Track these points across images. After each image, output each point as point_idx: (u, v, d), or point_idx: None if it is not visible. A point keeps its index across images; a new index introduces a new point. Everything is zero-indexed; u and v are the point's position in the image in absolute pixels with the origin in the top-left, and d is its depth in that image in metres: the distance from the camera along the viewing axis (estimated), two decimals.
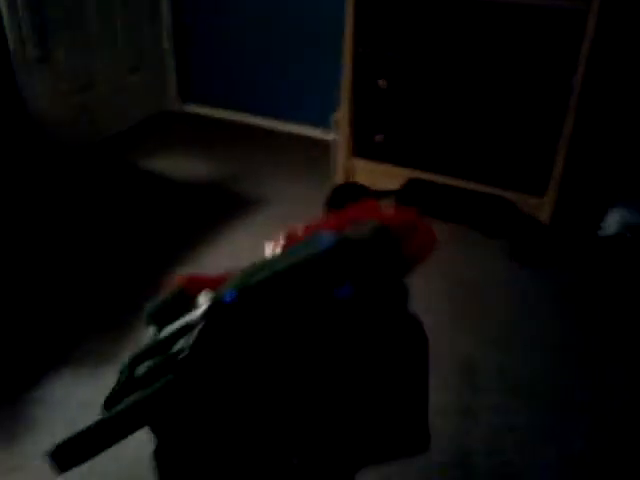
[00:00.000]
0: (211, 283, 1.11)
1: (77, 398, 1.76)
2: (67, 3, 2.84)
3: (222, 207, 2.73)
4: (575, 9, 2.12)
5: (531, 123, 2.34)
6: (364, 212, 1.36)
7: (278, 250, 1.25)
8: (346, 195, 2.66)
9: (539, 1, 2.15)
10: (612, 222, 2.51)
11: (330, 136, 2.74)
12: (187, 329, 1.00)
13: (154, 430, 1.01)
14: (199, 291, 1.09)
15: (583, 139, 2.44)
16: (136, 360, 1.03)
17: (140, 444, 1.02)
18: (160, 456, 1.03)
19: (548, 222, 2.43)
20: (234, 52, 3.33)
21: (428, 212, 2.53)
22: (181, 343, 0.99)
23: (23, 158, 2.70)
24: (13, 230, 2.41)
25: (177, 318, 1.04)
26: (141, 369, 1.02)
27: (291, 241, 1.29)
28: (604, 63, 2.44)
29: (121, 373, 1.03)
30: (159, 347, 1.02)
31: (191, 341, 0.97)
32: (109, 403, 1.00)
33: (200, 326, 0.97)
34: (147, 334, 1.08)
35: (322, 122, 2.96)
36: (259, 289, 1.01)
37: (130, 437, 0.97)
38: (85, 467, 0.95)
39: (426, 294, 2.20)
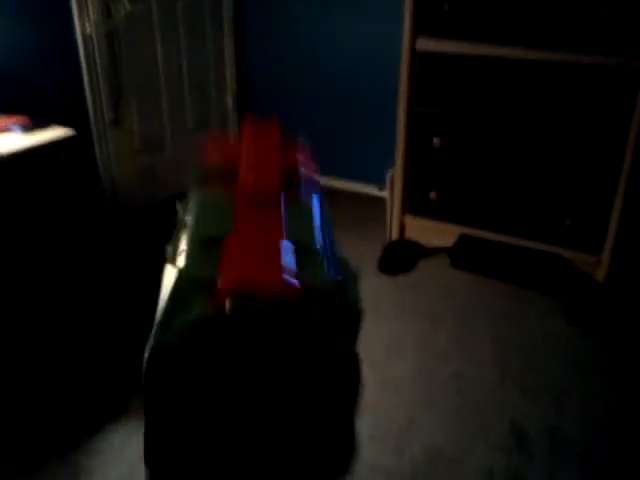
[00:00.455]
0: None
1: (133, 450, 1.79)
2: (140, 71, 3.04)
3: None
4: (628, 66, 2.16)
5: (586, 181, 2.35)
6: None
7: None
8: (399, 252, 2.70)
9: (592, 60, 2.20)
10: None
11: (385, 193, 2.80)
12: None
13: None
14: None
15: (638, 198, 2.42)
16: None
17: None
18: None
19: (604, 281, 2.40)
20: (293, 111, 3.46)
21: (481, 270, 2.60)
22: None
23: (93, 214, 2.83)
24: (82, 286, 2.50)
25: None
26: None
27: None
28: None
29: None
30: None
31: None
32: None
33: (144, 367, 1.15)
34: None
35: (377, 180, 3.04)
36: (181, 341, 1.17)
37: None
38: None
39: (476, 350, 2.22)
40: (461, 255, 2.61)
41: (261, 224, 1.35)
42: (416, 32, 2.41)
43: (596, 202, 2.35)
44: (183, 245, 1.36)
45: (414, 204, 2.67)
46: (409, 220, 2.70)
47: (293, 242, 1.27)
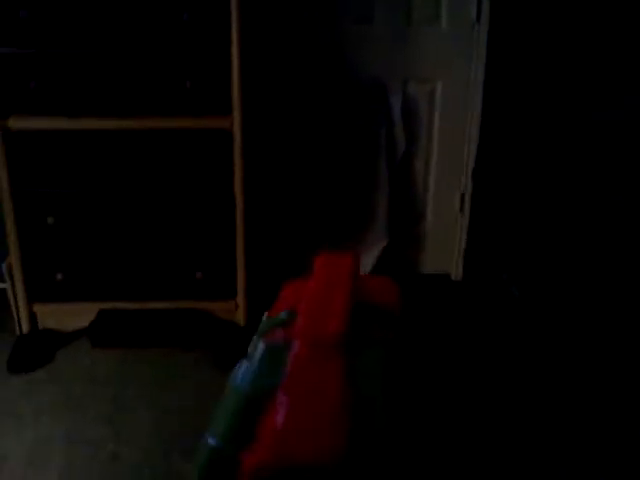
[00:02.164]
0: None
1: None
2: None
3: None
4: (219, 129, 2.33)
5: (206, 235, 2.45)
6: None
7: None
8: (33, 345, 2.48)
9: (184, 124, 2.32)
10: None
11: (5, 285, 2.55)
12: None
13: None
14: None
15: (258, 239, 2.63)
16: None
17: None
18: None
19: (244, 323, 2.53)
20: None
21: (124, 342, 2.54)
22: None
23: None
24: None
25: None
26: None
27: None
28: (261, 171, 2.71)
29: None
30: None
31: None
32: None
33: None
34: None
35: None
36: None
37: None
38: None
39: (132, 425, 2.14)
40: (101, 333, 2.51)
41: (315, 376, 1.11)
42: (7, 111, 2.26)
43: (220, 251, 2.48)
44: (223, 409, 1.19)
45: (41, 290, 2.48)
46: (40, 308, 2.50)
47: (354, 396, 1.05)
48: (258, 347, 1.38)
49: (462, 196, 2.96)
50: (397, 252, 3.00)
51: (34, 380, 2.36)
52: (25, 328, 2.50)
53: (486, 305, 2.89)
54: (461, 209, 2.98)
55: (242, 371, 1.32)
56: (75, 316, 2.51)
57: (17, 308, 2.49)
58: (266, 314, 1.60)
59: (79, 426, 2.13)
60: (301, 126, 2.82)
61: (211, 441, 1.10)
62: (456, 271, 3.08)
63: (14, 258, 2.42)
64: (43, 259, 2.45)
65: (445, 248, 3.06)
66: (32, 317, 2.50)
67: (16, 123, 2.28)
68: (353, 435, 0.99)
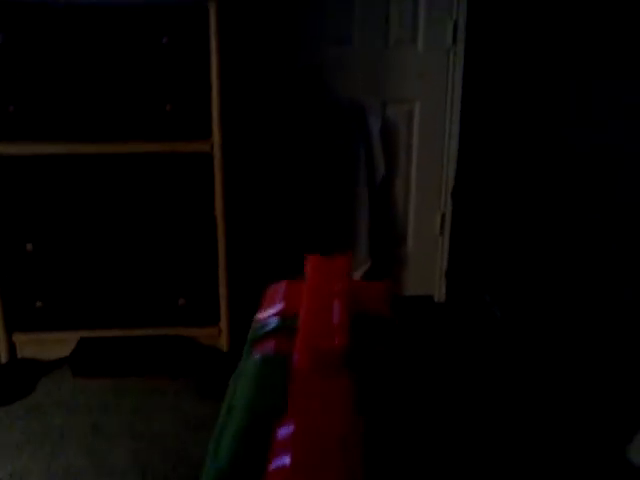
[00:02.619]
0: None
1: None
2: None
3: None
4: (201, 153, 2.32)
5: (188, 261, 2.43)
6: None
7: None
8: (12, 376, 2.42)
9: (163, 148, 2.31)
10: None
11: None
12: None
13: None
14: None
15: (240, 263, 2.61)
16: None
17: None
18: None
19: (227, 349, 2.50)
20: None
21: (106, 372, 2.48)
22: None
23: None
24: None
25: None
26: None
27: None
28: (242, 193, 2.71)
29: None
30: None
31: None
32: None
33: None
34: None
35: None
36: None
37: None
38: None
39: (113, 456, 2.08)
40: (82, 362, 2.45)
41: (321, 397, 1.03)
42: None
43: (202, 277, 2.45)
44: (226, 431, 1.05)
45: (20, 319, 2.42)
46: (19, 337, 2.44)
47: (365, 421, 0.97)
48: (252, 358, 1.30)
49: (442, 217, 2.98)
50: (379, 274, 3.00)
51: (13, 412, 2.29)
52: (4, 358, 2.44)
53: (469, 326, 2.88)
54: (441, 230, 3.00)
55: (239, 388, 1.22)
56: (55, 345, 2.46)
57: None
58: (255, 318, 1.52)
59: (59, 458, 2.06)
60: (281, 147, 2.83)
61: (217, 465, 1.01)
62: (439, 293, 3.08)
63: None
64: (22, 287, 2.41)
65: (427, 269, 3.06)
66: (11, 347, 2.44)
67: None
68: (368, 466, 0.93)
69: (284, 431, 0.97)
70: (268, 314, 1.46)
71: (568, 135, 2.86)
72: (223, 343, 2.50)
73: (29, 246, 2.34)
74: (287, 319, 1.36)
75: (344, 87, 2.78)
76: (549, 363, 2.56)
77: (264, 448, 0.95)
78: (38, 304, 2.41)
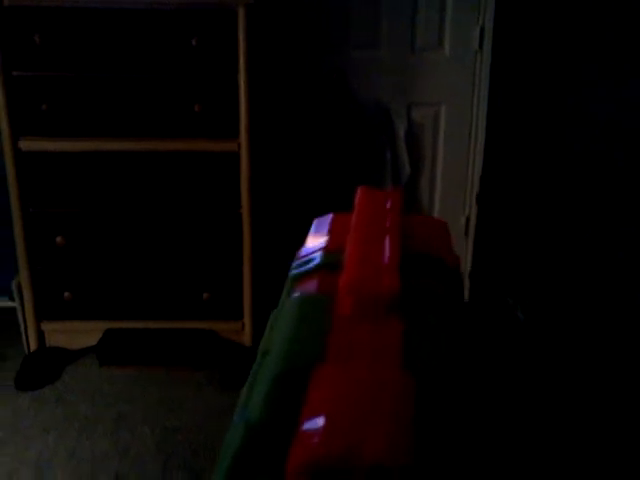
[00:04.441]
0: None
1: None
2: None
3: None
4: (228, 152, 2.38)
5: (214, 256, 2.49)
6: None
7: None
8: (40, 363, 2.50)
9: (194, 146, 2.37)
10: None
11: (15, 303, 2.58)
12: None
13: None
14: None
15: (264, 260, 2.66)
16: None
17: None
18: None
19: (250, 344, 2.55)
20: None
21: (131, 361, 2.55)
22: None
23: None
24: None
25: None
26: None
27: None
28: (268, 193, 2.75)
29: None
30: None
31: None
32: None
33: None
34: None
35: (7, 290, 2.79)
36: None
37: None
38: None
39: (137, 445, 2.14)
40: (108, 351, 2.53)
41: (366, 344, 0.90)
42: (18, 133, 2.32)
43: (227, 272, 2.51)
44: (258, 381, 0.94)
45: (50, 308, 2.51)
46: (48, 326, 2.53)
47: (415, 374, 0.83)
48: (292, 298, 1.14)
49: (467, 220, 2.99)
50: None
51: (41, 397, 2.38)
52: (33, 346, 2.52)
53: (491, 329, 2.89)
54: (466, 233, 3.00)
55: (276, 330, 1.09)
56: (82, 334, 2.54)
57: (25, 326, 2.53)
58: (298, 253, 1.35)
59: (84, 444, 2.14)
60: (307, 149, 2.87)
61: (248, 419, 0.88)
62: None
63: (23, 277, 2.45)
64: (52, 278, 2.49)
65: None
66: (40, 335, 2.53)
67: (27, 144, 2.34)
68: (420, 427, 0.78)
69: (321, 382, 0.84)
70: (312, 249, 1.31)
71: (597, 140, 2.85)
72: (246, 338, 2.55)
73: (59, 239, 2.42)
74: (332, 255, 1.21)
75: (370, 90, 2.81)
76: (571, 368, 2.56)
77: (301, 401, 0.83)
78: (67, 295, 2.49)
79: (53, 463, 2.05)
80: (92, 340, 2.54)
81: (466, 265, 3.05)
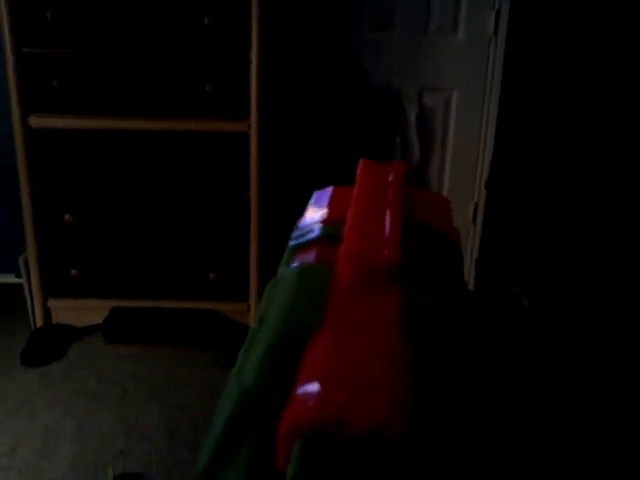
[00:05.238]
0: None
1: None
2: None
3: None
4: (237, 133, 2.37)
5: (220, 237, 2.48)
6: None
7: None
8: (47, 339, 2.52)
9: (203, 126, 2.36)
10: None
11: (21, 279, 2.59)
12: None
13: None
14: None
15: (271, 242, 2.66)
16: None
17: None
18: None
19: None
20: None
21: (137, 339, 2.56)
22: None
23: None
24: None
25: None
26: None
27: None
28: (277, 174, 2.74)
29: None
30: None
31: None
32: None
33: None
34: None
35: (14, 266, 2.80)
36: None
37: None
38: None
39: (142, 422, 2.16)
40: (114, 329, 2.53)
41: (364, 314, 0.90)
42: (28, 109, 2.32)
43: (234, 254, 2.51)
44: (254, 347, 0.94)
45: (56, 286, 2.52)
46: (54, 303, 2.54)
47: (413, 343, 0.82)
48: (291, 267, 1.14)
49: (475, 206, 2.97)
50: None
51: (47, 373, 2.39)
52: (39, 322, 2.54)
53: (497, 317, 2.88)
54: (474, 220, 2.99)
55: (274, 298, 1.07)
56: (89, 312, 2.55)
57: (32, 303, 2.54)
58: (297, 224, 1.35)
59: (90, 420, 2.15)
60: (317, 131, 2.85)
61: (241, 383, 0.88)
62: (468, 281, 3.09)
63: (31, 254, 2.46)
64: (59, 255, 2.49)
65: None
66: (46, 312, 2.54)
67: (37, 121, 2.33)
68: (416, 396, 0.76)
69: (317, 349, 0.84)
70: (311, 220, 1.31)
71: (611, 130, 2.83)
72: (251, 319, 2.55)
73: (67, 216, 2.42)
74: (333, 226, 1.20)
75: (382, 73, 2.78)
76: (577, 357, 2.56)
77: (296, 367, 0.83)
78: (74, 272, 2.49)
79: (59, 438, 2.06)
80: (98, 318, 2.55)
81: (473, 252, 3.04)
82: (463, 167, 2.94)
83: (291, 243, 1.28)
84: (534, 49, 2.76)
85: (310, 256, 1.16)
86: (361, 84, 2.79)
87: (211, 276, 2.51)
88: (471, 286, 3.08)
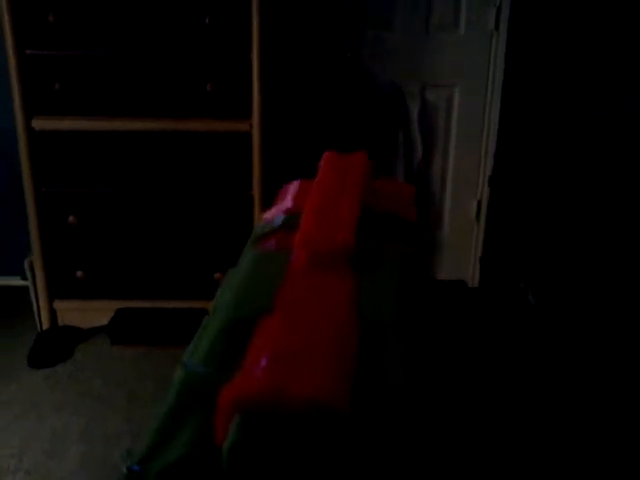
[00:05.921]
0: None
1: None
2: None
3: None
4: (240, 132, 2.37)
5: (223, 235, 2.49)
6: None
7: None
8: (53, 341, 2.53)
9: (206, 126, 2.37)
10: None
11: (27, 282, 2.60)
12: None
13: None
14: None
15: None
16: None
17: None
18: None
19: None
20: None
21: (143, 340, 2.57)
22: None
23: None
24: None
25: None
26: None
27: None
28: (279, 172, 2.74)
29: None
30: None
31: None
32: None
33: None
34: None
35: (19, 269, 2.81)
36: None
37: None
38: None
39: (149, 424, 2.15)
40: (120, 331, 2.54)
41: (315, 296, 0.90)
42: (31, 112, 2.33)
43: (238, 254, 2.49)
44: (205, 331, 0.95)
45: (62, 287, 2.53)
46: (60, 305, 2.55)
47: (362, 321, 0.83)
48: (247, 256, 1.16)
49: (479, 203, 2.97)
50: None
51: (54, 375, 2.40)
52: (45, 324, 2.55)
53: (502, 313, 2.88)
54: (477, 216, 2.99)
55: (229, 285, 1.08)
56: (94, 313, 2.55)
57: (38, 305, 2.55)
58: (262, 217, 1.37)
59: (96, 421, 2.16)
60: (319, 129, 2.85)
61: (188, 366, 0.91)
62: (472, 278, 3.09)
63: (36, 256, 2.47)
64: (64, 257, 2.50)
65: (461, 254, 3.06)
66: (52, 314, 2.55)
67: (40, 123, 2.34)
68: (360, 374, 0.76)
69: (266, 330, 0.83)
70: (275, 213, 1.33)
71: (614, 125, 2.82)
72: None
73: (72, 218, 2.43)
74: (293, 216, 1.22)
75: (384, 70, 2.78)
76: (582, 353, 2.55)
77: (244, 348, 0.82)
78: (78, 274, 2.50)
79: (67, 439, 2.07)
80: (104, 319, 2.56)
81: (477, 248, 3.04)
82: (466, 164, 2.94)
83: (252, 235, 1.31)
84: (535, 44, 2.75)
85: (269, 245, 1.19)
86: (363, 81, 2.79)
87: (216, 276, 2.51)
88: (476, 282, 3.08)
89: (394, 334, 0.83)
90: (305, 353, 0.76)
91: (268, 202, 2.49)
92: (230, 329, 0.90)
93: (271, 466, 0.69)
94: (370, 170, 1.31)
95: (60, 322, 2.57)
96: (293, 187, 1.50)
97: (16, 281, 2.93)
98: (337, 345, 0.77)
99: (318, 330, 0.80)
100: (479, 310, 2.92)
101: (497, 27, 2.72)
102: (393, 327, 0.84)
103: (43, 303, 2.53)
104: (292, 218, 1.22)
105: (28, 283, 2.58)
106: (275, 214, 1.33)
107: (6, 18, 2.21)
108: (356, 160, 1.33)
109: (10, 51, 2.24)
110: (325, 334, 0.79)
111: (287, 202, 1.36)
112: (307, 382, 0.71)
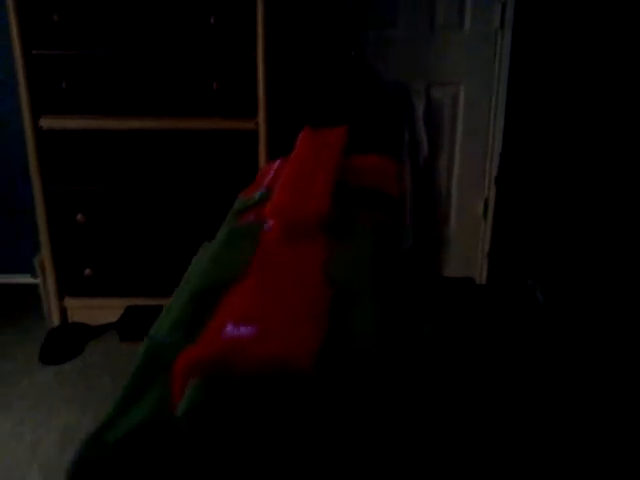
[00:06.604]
0: None
1: None
2: None
3: None
4: (246, 131, 2.39)
5: None
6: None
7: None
8: (63, 338, 2.56)
9: (212, 125, 2.38)
10: None
11: (37, 280, 2.64)
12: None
13: None
14: None
15: None
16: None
17: None
18: None
19: None
20: None
21: None
22: None
23: None
24: None
25: None
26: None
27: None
28: None
29: None
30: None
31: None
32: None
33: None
34: None
35: (30, 267, 2.84)
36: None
37: None
38: None
39: None
40: (129, 328, 2.56)
41: (287, 263, 0.90)
42: (39, 111, 2.35)
43: None
44: (173, 302, 0.93)
45: (71, 285, 2.56)
46: (70, 302, 2.58)
47: (334, 286, 0.81)
48: (223, 230, 1.15)
49: (486, 201, 2.97)
50: (420, 254, 3.02)
51: (64, 371, 2.43)
52: (56, 322, 2.58)
53: (510, 310, 2.88)
54: (484, 214, 2.99)
55: (200, 257, 1.06)
56: (104, 311, 2.58)
57: (48, 302, 2.58)
58: (240, 195, 1.35)
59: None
60: (325, 127, 2.86)
61: (153, 335, 0.88)
62: (480, 275, 3.09)
63: (45, 254, 2.50)
64: (73, 255, 2.53)
65: (469, 252, 3.07)
66: (62, 311, 2.58)
67: (48, 122, 2.37)
68: (330, 338, 0.73)
69: (234, 296, 0.82)
70: (254, 189, 1.32)
71: (617, 121, 2.82)
72: None
73: (80, 216, 2.45)
74: (269, 189, 1.22)
75: (389, 69, 2.78)
76: (591, 350, 2.55)
77: (211, 316, 0.80)
78: (88, 272, 2.53)
79: (77, 434, 2.09)
80: (113, 316, 2.58)
81: (485, 245, 3.04)
82: (472, 162, 2.94)
83: (230, 212, 1.30)
84: (541, 41, 2.75)
85: (247, 219, 1.17)
86: (368, 80, 2.80)
87: None
88: (483, 280, 3.08)
89: (366, 299, 0.81)
90: (272, 316, 0.74)
91: None
92: (198, 298, 0.89)
93: (229, 430, 0.66)
94: (346, 144, 1.31)
95: (70, 319, 2.60)
96: (274, 165, 1.50)
97: (27, 279, 2.98)
98: (306, 308, 0.76)
99: (287, 294, 0.80)
100: (487, 307, 2.92)
101: (502, 25, 2.72)
102: (365, 293, 0.83)
103: (53, 301, 2.56)
104: (269, 192, 1.21)
105: (38, 281, 2.61)
106: (253, 191, 1.33)
107: (12, 19, 2.23)
108: (333, 135, 1.34)
109: (17, 52, 2.27)
110: (294, 298, 0.78)
111: (267, 179, 1.36)
112: (271, 343, 0.69)
